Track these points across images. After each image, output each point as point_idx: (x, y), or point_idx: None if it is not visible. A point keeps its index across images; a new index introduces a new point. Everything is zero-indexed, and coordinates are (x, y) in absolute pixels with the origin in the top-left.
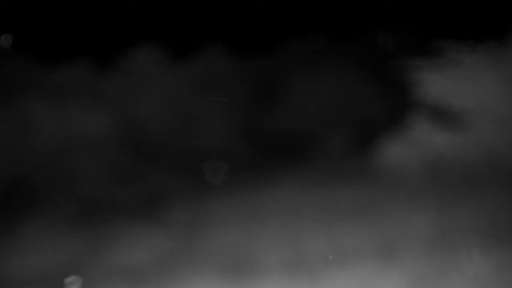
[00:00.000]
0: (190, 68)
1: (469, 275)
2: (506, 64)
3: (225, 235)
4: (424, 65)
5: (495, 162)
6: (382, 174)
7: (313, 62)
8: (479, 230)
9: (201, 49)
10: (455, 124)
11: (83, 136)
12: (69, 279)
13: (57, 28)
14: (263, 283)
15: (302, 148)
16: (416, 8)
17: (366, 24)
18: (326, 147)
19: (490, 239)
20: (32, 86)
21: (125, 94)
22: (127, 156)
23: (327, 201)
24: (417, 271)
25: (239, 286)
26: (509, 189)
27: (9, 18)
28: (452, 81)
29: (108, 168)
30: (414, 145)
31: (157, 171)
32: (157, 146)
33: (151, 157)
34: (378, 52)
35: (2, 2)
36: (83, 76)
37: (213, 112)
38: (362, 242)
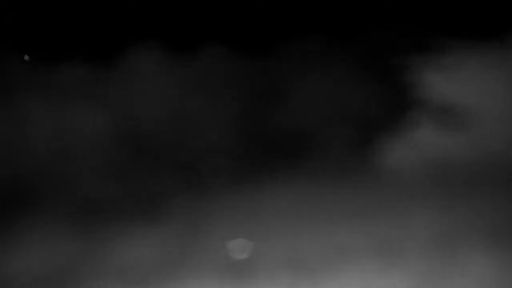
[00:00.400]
0: (190, 68)
1: (470, 275)
2: (506, 64)
3: (225, 235)
4: (424, 66)
5: (496, 162)
6: (382, 174)
7: (313, 62)
8: (480, 230)
9: (201, 49)
10: (456, 123)
11: (83, 136)
12: (235, 243)
13: (57, 28)
14: (263, 282)
15: (302, 148)
16: (416, 9)
17: (366, 24)
18: (326, 147)
19: (490, 238)
20: (31, 86)
21: (125, 94)
22: (127, 156)
23: (327, 201)
24: (418, 270)
25: (239, 286)
26: (509, 189)
27: (9, 18)
28: (453, 81)
29: (108, 168)
30: (414, 144)
31: (157, 171)
32: (157, 146)
33: (151, 157)
34: (378, 52)
35: (2, 3)
36: (83, 76)
37: (213, 112)
38: (363, 242)
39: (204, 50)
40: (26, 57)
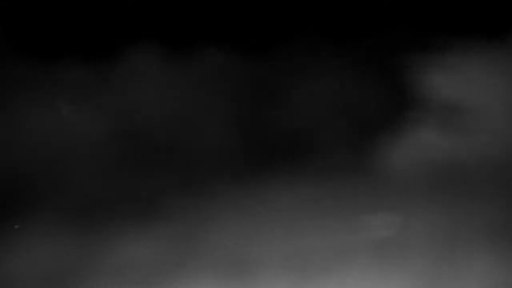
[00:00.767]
0: (190, 68)
1: (470, 275)
2: (508, 64)
3: (225, 235)
4: (425, 65)
5: (496, 162)
6: (382, 174)
7: (313, 62)
8: (480, 230)
9: (201, 49)
10: (456, 124)
11: (81, 135)
12: (380, 218)
13: (57, 28)
14: (263, 282)
15: (302, 148)
16: (416, 9)
17: (366, 24)
18: (326, 147)
19: (491, 239)
20: (30, 85)
21: (125, 94)
22: (126, 156)
23: (327, 201)
24: (418, 270)
25: (239, 286)
26: (509, 190)
27: (9, 17)
28: (453, 81)
29: (107, 168)
30: (414, 144)
31: (157, 170)
32: (157, 147)
33: (151, 157)
34: (379, 51)
35: (2, 2)
36: (82, 76)
37: (212, 112)
38: (362, 242)
39: (204, 50)
40: (16, 226)
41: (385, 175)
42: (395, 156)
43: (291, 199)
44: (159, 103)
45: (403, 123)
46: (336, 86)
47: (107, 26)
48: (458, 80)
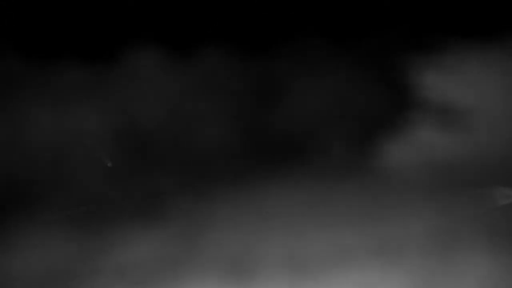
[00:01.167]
0: (190, 68)
1: (469, 274)
2: (506, 64)
3: (225, 235)
4: (424, 66)
5: (494, 163)
6: (382, 174)
7: (313, 62)
8: (478, 230)
9: (201, 49)
10: (455, 124)
11: (83, 136)
12: (499, 190)
13: (57, 28)
14: (262, 282)
15: (302, 148)
16: (416, 9)
17: (367, 24)
18: (326, 147)
19: (490, 238)
20: (31, 86)
21: (125, 94)
22: (126, 156)
23: (327, 201)
24: (417, 270)
25: (239, 286)
26: (508, 190)
27: (10, 18)
28: (453, 82)
29: (108, 169)
30: (414, 145)
31: (157, 171)
32: (157, 147)
33: (151, 157)
34: (378, 52)
35: (2, 2)
36: (83, 77)
37: (213, 112)
38: (362, 242)
39: (204, 50)
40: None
41: (385, 175)
42: (394, 155)
43: (292, 200)
44: (160, 104)
45: (403, 122)
46: (336, 86)
47: (108, 26)
48: (457, 80)
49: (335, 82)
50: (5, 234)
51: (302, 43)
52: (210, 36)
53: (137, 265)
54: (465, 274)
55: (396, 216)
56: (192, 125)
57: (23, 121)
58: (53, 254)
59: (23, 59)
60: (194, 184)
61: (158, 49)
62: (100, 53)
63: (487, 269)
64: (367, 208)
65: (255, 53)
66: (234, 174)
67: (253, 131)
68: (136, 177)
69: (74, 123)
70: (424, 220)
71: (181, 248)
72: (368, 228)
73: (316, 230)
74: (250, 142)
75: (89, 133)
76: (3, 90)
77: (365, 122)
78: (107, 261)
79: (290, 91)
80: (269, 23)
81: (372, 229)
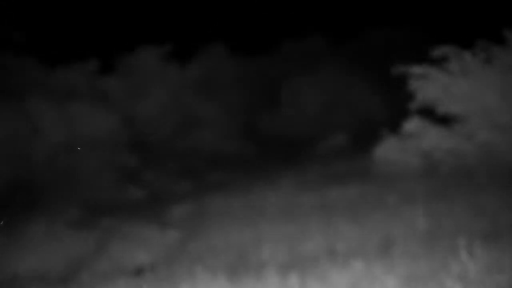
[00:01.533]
0: (191, 68)
1: (469, 274)
2: (504, 69)
3: (224, 235)
4: (423, 67)
5: (492, 164)
6: (380, 175)
7: (313, 63)
8: (476, 230)
9: (201, 49)
10: (454, 126)
11: (86, 138)
12: None
13: (61, 31)
14: (262, 282)
15: (301, 148)
16: (416, 10)
17: (366, 24)
18: (325, 148)
19: (486, 238)
20: (36, 88)
21: (127, 96)
22: (129, 158)
23: (326, 201)
24: (412, 270)
25: (239, 285)
26: (505, 190)
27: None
28: (451, 85)
29: (111, 170)
30: (412, 146)
31: (159, 172)
32: (158, 147)
33: (153, 158)
34: (378, 57)
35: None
36: (86, 79)
37: (213, 113)
38: (361, 242)
39: (204, 50)
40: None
41: (383, 177)
42: (393, 157)
43: (290, 200)
44: (161, 105)
45: (403, 123)
46: (336, 86)
47: (110, 29)
48: (457, 84)
49: (334, 83)
50: (9, 235)
51: (302, 44)
52: (210, 36)
53: (138, 265)
54: (464, 273)
55: (393, 218)
56: (193, 126)
57: (29, 123)
58: (55, 254)
59: (23, 59)
60: (194, 185)
61: (159, 50)
62: (102, 55)
63: (486, 268)
64: (364, 209)
65: (255, 53)
66: (234, 174)
67: (253, 132)
68: (136, 179)
69: (77, 125)
70: (421, 221)
71: (181, 248)
72: (366, 228)
73: (315, 230)
74: (250, 142)
75: (93, 135)
76: (9, 92)
77: (364, 123)
78: (108, 261)
79: (290, 92)
80: (269, 23)
81: (370, 230)
